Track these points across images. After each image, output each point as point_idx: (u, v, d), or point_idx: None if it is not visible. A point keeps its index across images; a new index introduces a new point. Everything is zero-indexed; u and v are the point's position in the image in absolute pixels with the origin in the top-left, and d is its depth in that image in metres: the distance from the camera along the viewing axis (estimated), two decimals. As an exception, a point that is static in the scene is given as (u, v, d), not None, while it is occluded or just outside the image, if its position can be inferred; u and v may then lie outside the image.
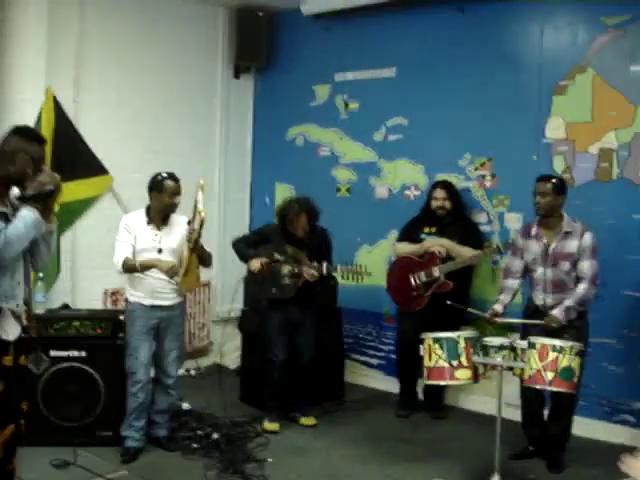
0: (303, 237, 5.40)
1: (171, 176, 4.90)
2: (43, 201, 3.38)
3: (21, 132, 3.49)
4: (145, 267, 4.80)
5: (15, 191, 3.37)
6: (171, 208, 4.90)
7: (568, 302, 4.71)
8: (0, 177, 3.38)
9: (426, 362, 4.54)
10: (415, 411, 5.97)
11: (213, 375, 6.96)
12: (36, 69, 5.83)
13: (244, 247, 5.55)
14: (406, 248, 5.86)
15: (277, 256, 5.40)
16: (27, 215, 3.32)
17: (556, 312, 4.70)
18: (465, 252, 5.62)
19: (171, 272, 4.77)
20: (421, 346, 4.56)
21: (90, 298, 6.27)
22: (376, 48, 6.73)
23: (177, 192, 4.87)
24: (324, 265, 5.27)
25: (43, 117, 5.84)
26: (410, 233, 5.91)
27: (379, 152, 6.75)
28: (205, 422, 5.49)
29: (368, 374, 6.83)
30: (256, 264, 5.38)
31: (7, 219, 3.33)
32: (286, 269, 5.38)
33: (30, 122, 5.73)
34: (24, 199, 3.36)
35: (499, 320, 4.91)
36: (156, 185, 4.88)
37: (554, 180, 4.85)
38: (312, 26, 7.14)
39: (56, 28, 5.95)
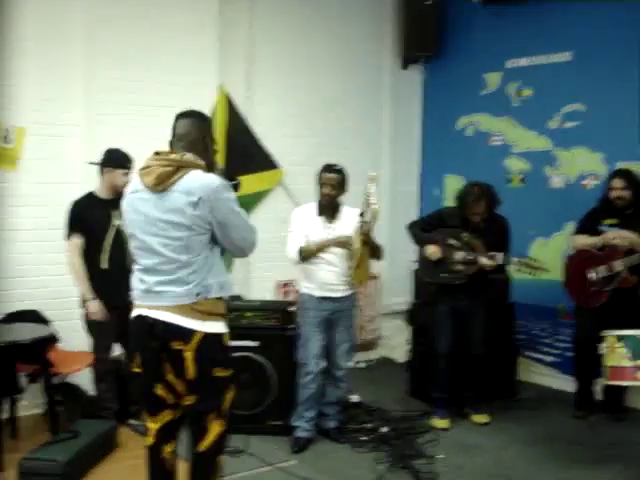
0: (479, 223, 5.27)
1: (328, 167, 4.90)
2: None
3: (207, 119, 3.42)
4: (321, 248, 4.83)
5: None
6: (325, 199, 4.88)
7: None
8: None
9: (607, 361, 4.31)
10: (593, 412, 5.66)
11: (382, 368, 6.97)
12: (209, 66, 6.02)
13: (419, 231, 5.48)
14: (585, 240, 5.56)
15: (452, 241, 5.29)
16: None
17: None
18: None
19: (348, 244, 4.79)
20: (602, 344, 4.32)
21: (262, 289, 6.43)
22: (550, 32, 6.45)
23: (331, 183, 4.84)
24: (500, 255, 5.11)
25: (217, 113, 6.02)
26: (589, 225, 5.58)
27: (554, 140, 6.46)
28: (374, 415, 5.48)
29: (542, 372, 6.57)
30: (432, 249, 5.31)
31: None
32: (460, 255, 5.25)
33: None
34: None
35: None
36: (317, 177, 4.92)
37: None
38: (482, 12, 6.96)
39: (227, 25, 6.14)
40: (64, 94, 5.40)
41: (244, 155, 6.24)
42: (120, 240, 4.85)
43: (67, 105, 5.45)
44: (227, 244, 3.24)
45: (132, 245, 3.29)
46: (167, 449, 3.35)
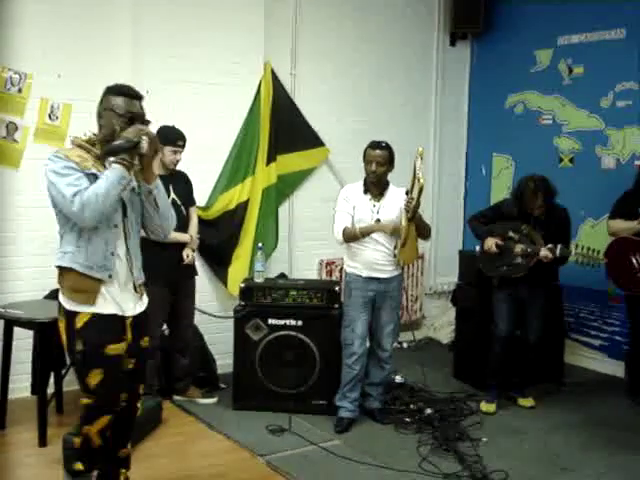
0: (540, 216, 5.17)
1: (374, 144, 4.81)
2: (126, 155, 3.11)
3: (109, 89, 3.29)
4: (365, 233, 4.77)
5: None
6: (371, 176, 4.80)
7: None
8: (98, 140, 3.25)
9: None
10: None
11: (426, 349, 6.93)
12: (255, 43, 5.96)
13: (479, 224, 5.43)
14: (622, 225, 5.39)
15: (511, 234, 5.21)
16: (109, 172, 3.10)
17: None
18: None
19: (395, 232, 4.73)
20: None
21: (306, 268, 6.42)
22: (603, 9, 6.27)
23: (377, 160, 4.74)
24: (558, 247, 5.01)
25: (262, 90, 5.99)
26: (626, 208, 5.42)
27: (606, 119, 6.30)
28: (418, 396, 5.44)
29: (589, 355, 6.46)
30: (490, 243, 5.24)
31: (96, 179, 3.14)
32: (519, 248, 5.16)
33: (249, 95, 5.91)
34: (106, 155, 3.16)
35: None
36: (364, 155, 4.85)
37: None
38: (533, -12, 6.81)
39: (274, 1, 6.06)
40: (111, 72, 5.38)
41: (289, 132, 6.19)
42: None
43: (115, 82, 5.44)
44: None
45: None
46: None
